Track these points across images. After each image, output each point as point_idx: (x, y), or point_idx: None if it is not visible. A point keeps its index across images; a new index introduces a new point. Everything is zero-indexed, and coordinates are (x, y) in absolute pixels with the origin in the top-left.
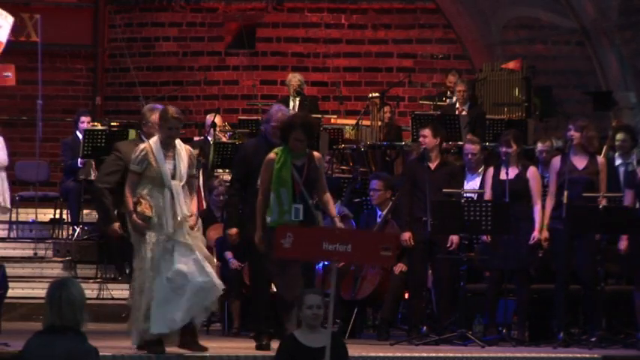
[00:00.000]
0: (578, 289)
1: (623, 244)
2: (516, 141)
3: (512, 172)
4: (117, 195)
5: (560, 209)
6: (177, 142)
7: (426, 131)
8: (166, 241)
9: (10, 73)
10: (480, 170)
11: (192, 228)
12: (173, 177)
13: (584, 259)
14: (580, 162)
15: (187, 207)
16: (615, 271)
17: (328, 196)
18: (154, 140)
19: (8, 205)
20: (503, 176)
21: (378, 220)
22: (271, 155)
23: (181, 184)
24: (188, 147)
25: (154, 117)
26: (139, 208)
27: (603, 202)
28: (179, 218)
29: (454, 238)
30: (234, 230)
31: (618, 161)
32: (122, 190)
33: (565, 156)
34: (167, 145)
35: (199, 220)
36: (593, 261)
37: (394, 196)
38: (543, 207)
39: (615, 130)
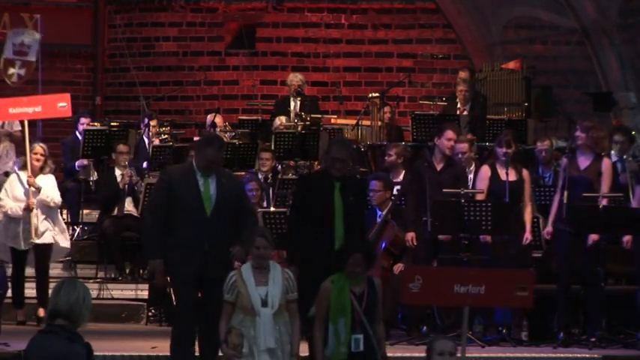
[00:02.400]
0: (579, 289)
1: (627, 237)
2: (515, 141)
3: (511, 173)
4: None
5: (561, 209)
6: (272, 264)
7: (454, 135)
8: None
9: (65, 104)
10: (471, 168)
11: None
12: (264, 304)
13: (586, 259)
14: (584, 162)
15: (281, 337)
16: (615, 271)
17: (381, 331)
18: (245, 265)
19: (68, 246)
20: (503, 177)
21: (378, 220)
22: (327, 284)
23: (273, 311)
24: (286, 270)
25: (209, 151)
26: (229, 338)
27: (604, 202)
28: (263, 348)
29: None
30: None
31: (614, 159)
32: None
33: (572, 155)
34: (259, 270)
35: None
36: (595, 261)
37: (394, 197)
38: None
39: (613, 130)
